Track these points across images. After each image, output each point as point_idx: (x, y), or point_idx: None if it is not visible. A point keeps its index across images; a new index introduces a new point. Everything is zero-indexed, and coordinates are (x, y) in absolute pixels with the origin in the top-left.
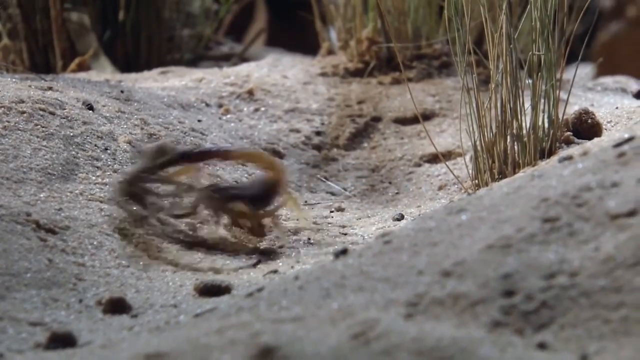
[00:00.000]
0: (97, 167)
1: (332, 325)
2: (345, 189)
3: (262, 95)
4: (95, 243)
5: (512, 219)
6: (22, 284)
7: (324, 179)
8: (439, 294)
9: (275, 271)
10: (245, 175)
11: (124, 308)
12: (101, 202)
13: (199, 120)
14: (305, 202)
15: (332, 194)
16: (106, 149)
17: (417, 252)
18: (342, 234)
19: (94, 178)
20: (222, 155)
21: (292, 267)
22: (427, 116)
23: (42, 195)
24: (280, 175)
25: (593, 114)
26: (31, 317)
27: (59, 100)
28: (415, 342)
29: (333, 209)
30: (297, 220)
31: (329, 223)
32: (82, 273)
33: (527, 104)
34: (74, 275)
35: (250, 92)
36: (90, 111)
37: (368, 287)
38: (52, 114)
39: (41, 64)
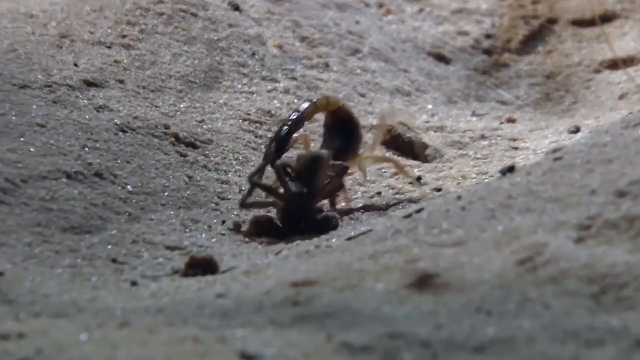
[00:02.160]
0: (244, 75)
1: (496, 250)
2: (517, 98)
3: None
4: (240, 158)
5: None
6: (159, 204)
7: (494, 87)
8: (613, 216)
9: (439, 189)
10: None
11: (272, 230)
12: (248, 113)
13: (357, 22)
14: (474, 112)
15: (503, 103)
16: (254, 55)
17: (591, 170)
18: (512, 148)
19: (240, 87)
20: (302, 119)
21: (459, 183)
22: (608, 18)
23: (182, 106)
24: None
25: None
26: (168, 241)
27: (202, 0)
28: (586, 268)
29: (503, 120)
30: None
31: (498, 136)
32: (226, 192)
33: None
34: (216, 194)
35: None
36: (237, 12)
37: (536, 208)
38: (195, 15)
39: None
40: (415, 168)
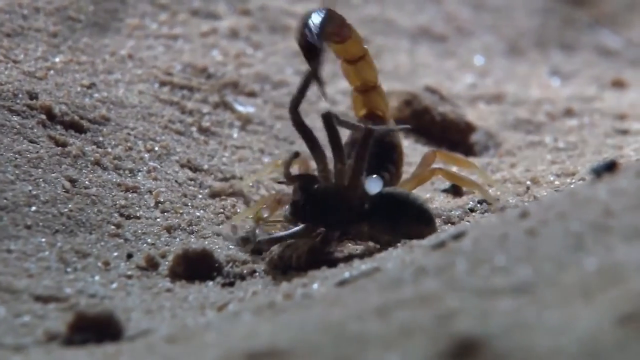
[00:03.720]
0: (161, 6)
1: (585, 300)
2: (630, 44)
3: None
4: (156, 149)
5: None
6: (23, 225)
7: (590, 25)
8: None
9: (484, 201)
10: None
11: (209, 269)
12: (169, 72)
13: None
14: (554, 69)
15: (606, 53)
16: None
17: None
18: (618, 131)
19: (154, 27)
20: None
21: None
22: None
23: (57, 60)
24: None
25: None
26: (38, 286)
27: None
28: None
29: (605, 83)
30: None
31: (595, 110)
32: (133, 205)
33: None
34: (117, 209)
35: None
36: None
37: None
38: None
39: None
40: (452, 166)
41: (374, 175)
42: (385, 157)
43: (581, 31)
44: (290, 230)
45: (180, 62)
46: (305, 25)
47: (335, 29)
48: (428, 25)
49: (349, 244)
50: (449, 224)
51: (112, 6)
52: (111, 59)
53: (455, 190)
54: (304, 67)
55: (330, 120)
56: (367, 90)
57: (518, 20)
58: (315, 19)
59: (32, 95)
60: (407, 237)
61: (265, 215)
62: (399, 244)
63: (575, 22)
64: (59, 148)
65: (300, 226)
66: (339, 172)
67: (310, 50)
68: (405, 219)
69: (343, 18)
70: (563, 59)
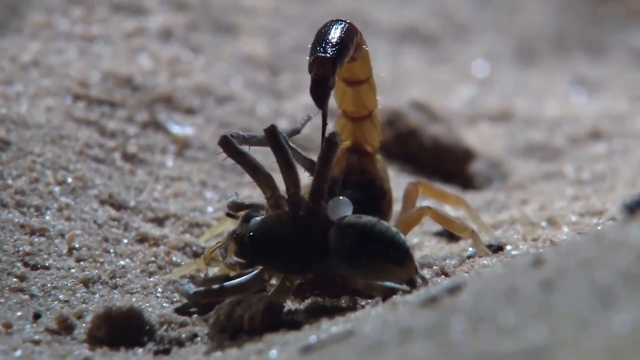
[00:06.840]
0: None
1: None
2: None
3: None
4: (69, 181)
5: None
6: None
7: (620, 24)
8: None
9: (498, 247)
10: None
11: (138, 332)
12: (84, 83)
13: None
14: (577, 78)
15: None
16: None
17: None
18: None
19: (65, 25)
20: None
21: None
22: None
23: None
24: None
25: None
26: None
27: None
28: None
29: None
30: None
31: (627, 131)
32: (40, 252)
33: None
34: (20, 257)
35: None
36: None
37: None
38: None
39: None
40: (445, 205)
41: (340, 197)
42: (371, 206)
43: (610, 31)
44: (237, 280)
45: (99, 70)
46: (319, 45)
47: (352, 51)
48: (416, 23)
49: (317, 299)
50: (443, 276)
51: (13, 0)
52: (11, 66)
53: (449, 234)
54: (256, 77)
55: (276, 137)
56: (359, 118)
57: (531, 17)
58: (333, 42)
59: None
60: (375, 277)
61: (221, 258)
62: (379, 302)
63: (602, 20)
64: None
65: (251, 274)
66: (293, 197)
67: (321, 85)
68: (371, 254)
69: (362, 36)
70: (588, 66)
